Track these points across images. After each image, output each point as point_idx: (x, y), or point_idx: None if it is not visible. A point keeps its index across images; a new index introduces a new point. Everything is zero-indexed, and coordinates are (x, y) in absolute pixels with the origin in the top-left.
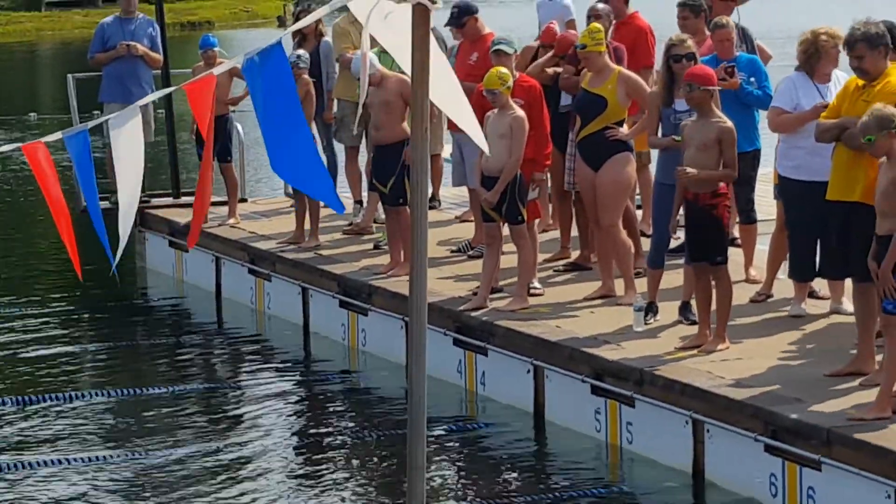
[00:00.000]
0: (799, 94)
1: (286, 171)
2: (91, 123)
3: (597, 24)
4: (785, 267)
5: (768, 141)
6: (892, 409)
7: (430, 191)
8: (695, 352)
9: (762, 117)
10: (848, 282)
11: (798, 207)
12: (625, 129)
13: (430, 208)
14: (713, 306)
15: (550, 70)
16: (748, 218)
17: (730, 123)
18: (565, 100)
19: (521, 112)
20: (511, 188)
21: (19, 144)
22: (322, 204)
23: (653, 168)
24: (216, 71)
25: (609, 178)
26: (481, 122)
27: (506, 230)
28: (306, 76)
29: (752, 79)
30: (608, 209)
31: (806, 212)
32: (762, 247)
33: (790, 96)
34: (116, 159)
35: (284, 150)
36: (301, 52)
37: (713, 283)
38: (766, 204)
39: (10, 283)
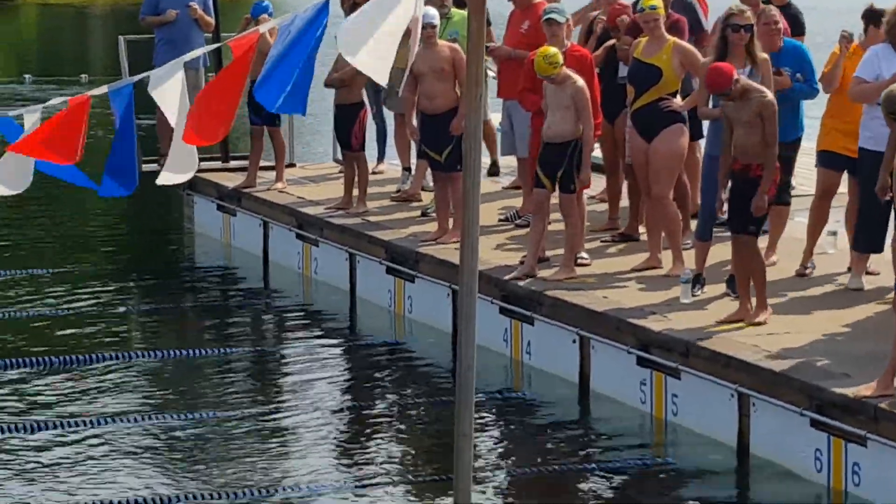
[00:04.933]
0: (881, 64)
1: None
2: (136, 77)
3: None
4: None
5: (813, 112)
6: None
7: (488, 158)
8: (740, 325)
9: (805, 104)
10: None
11: (874, 178)
12: (678, 100)
13: (492, 174)
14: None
15: (600, 50)
16: (781, 199)
17: (769, 96)
18: (623, 71)
19: (580, 81)
20: (571, 157)
21: (67, 98)
22: (371, 171)
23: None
24: (262, 28)
25: (662, 149)
26: (537, 90)
27: (553, 199)
28: None
29: (799, 74)
30: (660, 180)
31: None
32: (801, 219)
33: (872, 67)
34: (167, 113)
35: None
36: None
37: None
38: (810, 176)
39: (60, 245)
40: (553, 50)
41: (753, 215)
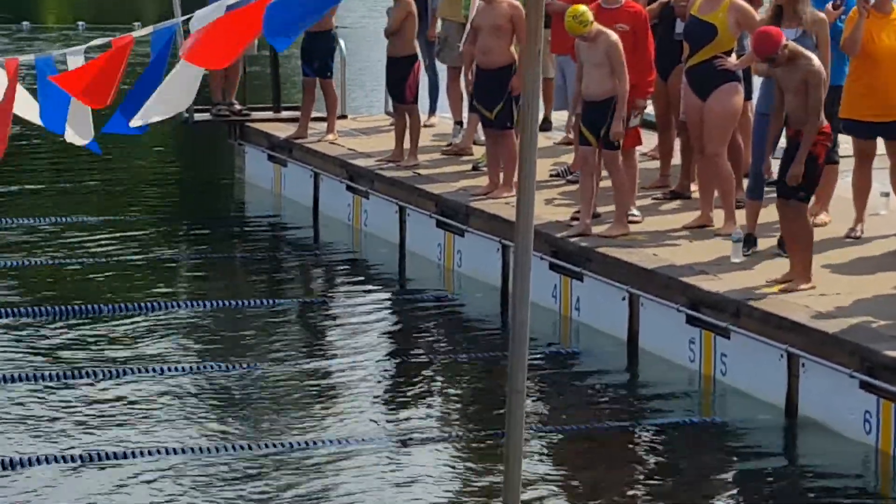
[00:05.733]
0: None
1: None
2: (182, 18)
3: None
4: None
5: None
6: None
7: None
8: (786, 286)
9: None
10: None
11: None
12: (733, 59)
13: (543, 130)
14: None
15: (655, 5)
16: (829, 158)
17: (816, 65)
18: (680, 28)
19: (613, 37)
20: (613, 114)
21: (110, 38)
22: (423, 124)
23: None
24: None
25: (717, 107)
26: (571, 47)
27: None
28: None
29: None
30: (714, 138)
31: None
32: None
33: None
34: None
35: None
36: None
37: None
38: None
39: (109, 193)
40: (582, 8)
41: (787, 183)
